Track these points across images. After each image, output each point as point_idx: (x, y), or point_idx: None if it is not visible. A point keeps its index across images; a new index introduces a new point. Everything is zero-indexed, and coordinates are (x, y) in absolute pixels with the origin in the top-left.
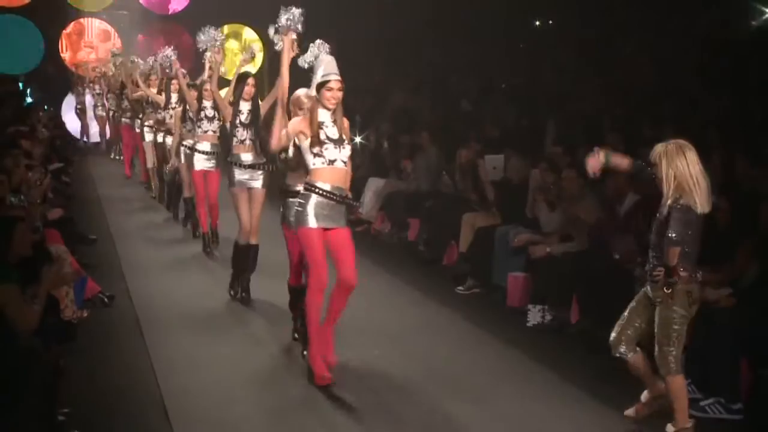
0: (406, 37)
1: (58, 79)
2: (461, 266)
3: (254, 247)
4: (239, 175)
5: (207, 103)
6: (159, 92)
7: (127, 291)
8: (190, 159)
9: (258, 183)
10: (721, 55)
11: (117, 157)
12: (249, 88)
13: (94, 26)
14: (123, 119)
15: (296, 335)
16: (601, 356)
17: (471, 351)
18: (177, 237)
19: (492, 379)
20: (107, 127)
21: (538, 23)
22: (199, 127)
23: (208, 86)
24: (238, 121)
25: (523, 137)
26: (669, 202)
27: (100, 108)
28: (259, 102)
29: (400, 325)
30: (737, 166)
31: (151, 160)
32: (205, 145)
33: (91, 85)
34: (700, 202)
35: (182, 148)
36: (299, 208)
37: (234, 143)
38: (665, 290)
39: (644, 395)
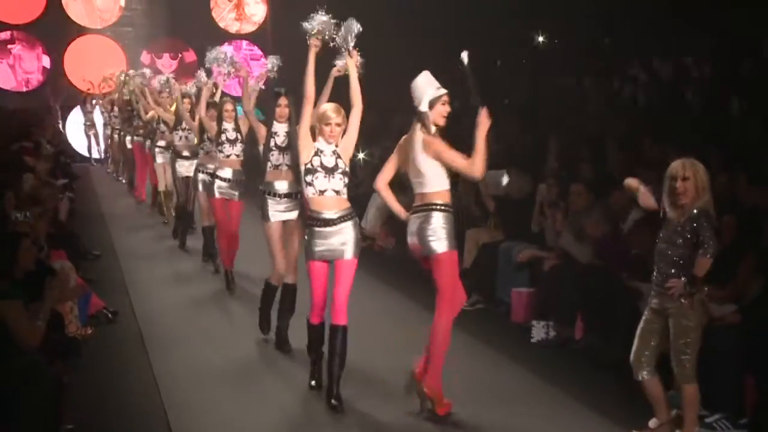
0: (410, 54)
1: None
2: (465, 282)
3: (291, 288)
4: (274, 206)
5: (228, 125)
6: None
7: (131, 306)
8: (209, 186)
9: (295, 214)
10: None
11: (120, 178)
12: (281, 109)
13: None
14: (135, 138)
15: (314, 383)
16: (606, 372)
17: (474, 366)
18: (179, 253)
19: (495, 395)
20: (111, 146)
21: (541, 40)
22: (221, 151)
23: (229, 106)
24: (273, 144)
25: (525, 153)
26: (695, 211)
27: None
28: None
29: (403, 340)
30: (738, 184)
31: (163, 183)
32: (226, 172)
33: (100, 102)
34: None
35: (201, 175)
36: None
37: (268, 169)
38: (683, 300)
39: (653, 422)
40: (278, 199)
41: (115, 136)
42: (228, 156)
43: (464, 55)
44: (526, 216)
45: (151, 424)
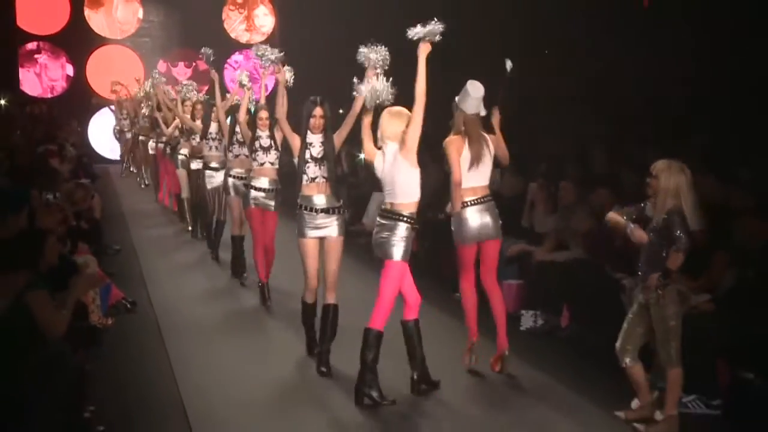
0: (410, 56)
1: (84, 101)
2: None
3: (332, 309)
4: (310, 221)
5: (262, 133)
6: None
7: (149, 298)
8: (245, 195)
9: (333, 230)
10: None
11: (145, 184)
12: (317, 120)
13: (117, 53)
14: (158, 143)
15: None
16: (589, 359)
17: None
18: (195, 248)
19: (486, 380)
20: (135, 152)
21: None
22: (255, 159)
23: (263, 114)
24: (308, 156)
25: (516, 155)
26: (666, 210)
27: (127, 131)
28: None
29: (399, 330)
30: (708, 183)
31: (186, 191)
32: (262, 182)
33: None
34: (690, 218)
35: (231, 180)
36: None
37: (304, 182)
38: (659, 292)
39: (634, 403)
40: (314, 213)
41: (139, 141)
42: (262, 164)
43: (508, 63)
44: (516, 213)
45: (167, 407)
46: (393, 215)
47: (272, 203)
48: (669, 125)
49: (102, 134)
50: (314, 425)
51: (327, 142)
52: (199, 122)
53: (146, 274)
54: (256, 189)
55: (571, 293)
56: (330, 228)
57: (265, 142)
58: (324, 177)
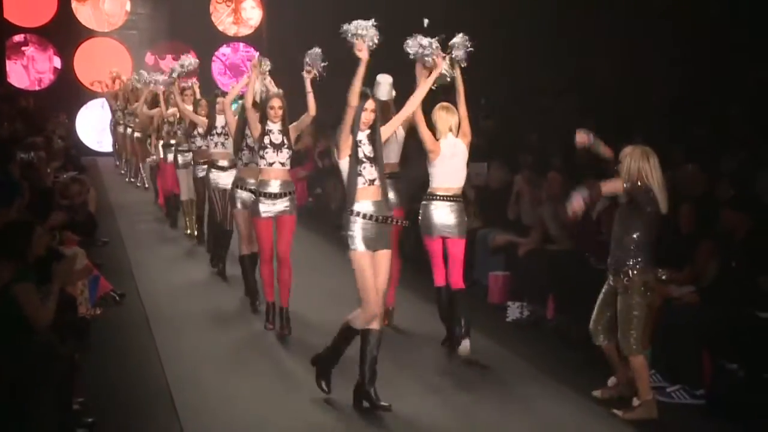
0: (398, 50)
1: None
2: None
3: (375, 336)
4: (365, 230)
5: (273, 125)
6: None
7: (137, 289)
8: (254, 205)
9: (387, 242)
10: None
11: (130, 179)
12: (368, 114)
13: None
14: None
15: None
16: (574, 349)
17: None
18: (183, 240)
19: (473, 369)
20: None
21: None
22: (263, 157)
23: (276, 102)
24: (362, 156)
25: (503, 147)
26: (628, 188)
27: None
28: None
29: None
30: (691, 173)
31: (186, 193)
32: (272, 186)
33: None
34: (660, 201)
35: (240, 192)
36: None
37: (359, 186)
38: (625, 281)
39: (611, 380)
40: (371, 221)
41: (126, 132)
42: (271, 164)
43: (426, 21)
44: (503, 205)
45: (155, 397)
46: (458, 198)
47: (287, 206)
48: (653, 116)
49: (90, 126)
50: (304, 414)
51: (376, 140)
52: (203, 119)
53: (134, 265)
54: (264, 195)
55: (557, 284)
56: (384, 240)
57: (277, 137)
58: (379, 178)
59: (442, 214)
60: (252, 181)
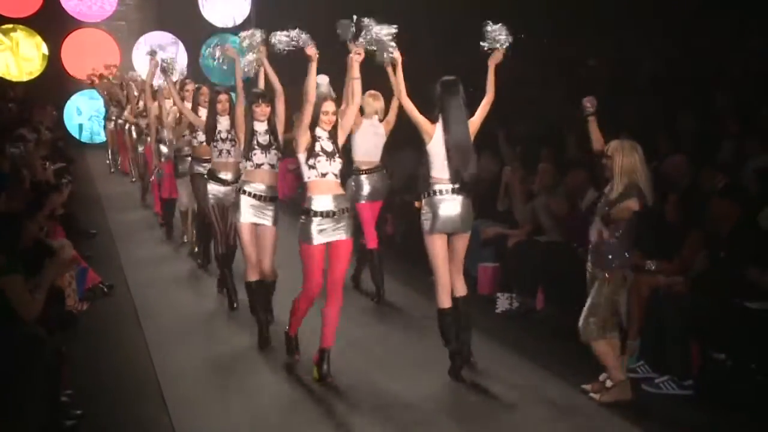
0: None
1: (61, 84)
2: None
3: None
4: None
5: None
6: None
7: (125, 281)
8: (237, 206)
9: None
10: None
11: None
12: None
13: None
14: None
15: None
16: (563, 339)
17: None
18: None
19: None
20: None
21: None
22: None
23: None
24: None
25: (493, 139)
26: (620, 189)
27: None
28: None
29: (379, 311)
30: (680, 164)
31: (186, 201)
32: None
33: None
34: (647, 194)
35: (243, 197)
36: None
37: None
38: (606, 274)
39: (603, 376)
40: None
41: (116, 126)
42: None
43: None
44: (493, 197)
45: (143, 388)
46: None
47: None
48: (643, 108)
49: (77, 117)
50: (295, 405)
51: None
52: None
53: (123, 257)
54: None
55: (546, 276)
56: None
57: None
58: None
59: (365, 183)
60: (257, 185)
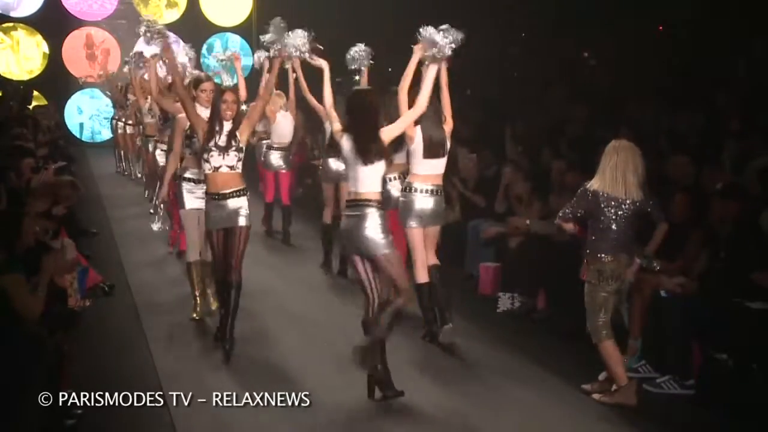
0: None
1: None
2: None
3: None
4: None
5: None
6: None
7: (126, 280)
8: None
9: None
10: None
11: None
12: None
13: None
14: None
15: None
16: (565, 340)
17: None
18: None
19: (465, 359)
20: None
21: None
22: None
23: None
24: (212, 144)
25: (493, 139)
26: (625, 189)
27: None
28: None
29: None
30: (682, 165)
31: (194, 252)
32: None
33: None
34: (627, 191)
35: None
36: None
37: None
38: (597, 273)
39: (602, 375)
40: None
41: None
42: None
43: None
44: (494, 195)
45: (144, 388)
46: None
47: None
48: (643, 106)
49: (78, 116)
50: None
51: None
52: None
53: (124, 257)
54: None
55: (548, 276)
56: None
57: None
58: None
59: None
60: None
